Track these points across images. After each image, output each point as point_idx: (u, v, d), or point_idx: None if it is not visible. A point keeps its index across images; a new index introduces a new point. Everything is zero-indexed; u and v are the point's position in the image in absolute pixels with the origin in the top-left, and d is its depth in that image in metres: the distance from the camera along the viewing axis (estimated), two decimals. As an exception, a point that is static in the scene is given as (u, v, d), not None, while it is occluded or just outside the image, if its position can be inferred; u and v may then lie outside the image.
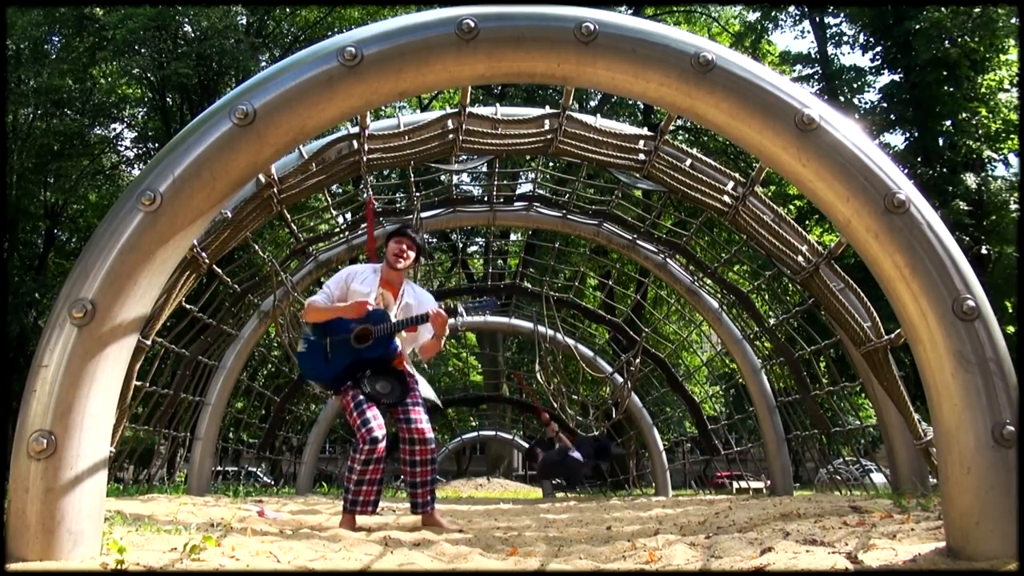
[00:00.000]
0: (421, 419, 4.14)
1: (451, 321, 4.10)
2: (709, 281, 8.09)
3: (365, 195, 6.61)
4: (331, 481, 15.65)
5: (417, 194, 7.69)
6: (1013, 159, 16.96)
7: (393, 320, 4.09)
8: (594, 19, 2.48)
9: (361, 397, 4.05)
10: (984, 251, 15.04)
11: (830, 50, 18.82)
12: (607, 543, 3.17)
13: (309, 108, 2.50)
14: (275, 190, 5.38)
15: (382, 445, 3.96)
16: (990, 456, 2.10)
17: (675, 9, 21.41)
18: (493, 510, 7.16)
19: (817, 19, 18.77)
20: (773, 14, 19.91)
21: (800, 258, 5.05)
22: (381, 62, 2.49)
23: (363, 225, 7.96)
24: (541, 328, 9.70)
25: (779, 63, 19.24)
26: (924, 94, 15.84)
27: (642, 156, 5.74)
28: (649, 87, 2.56)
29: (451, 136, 5.68)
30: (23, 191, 19.86)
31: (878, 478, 7.63)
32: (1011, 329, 13.90)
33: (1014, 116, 15.58)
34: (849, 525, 3.19)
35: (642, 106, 18.26)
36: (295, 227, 7.61)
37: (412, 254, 4.25)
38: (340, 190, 15.27)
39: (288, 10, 20.13)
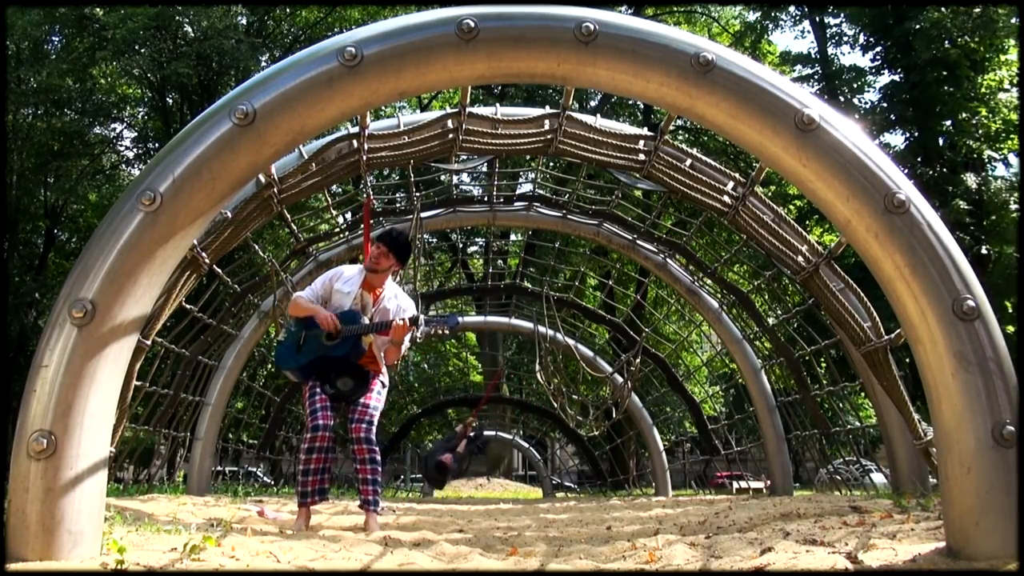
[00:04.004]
0: (363, 420, 4.23)
1: (413, 333, 4.18)
2: (709, 281, 8.09)
3: (365, 195, 6.62)
4: (331, 481, 15.63)
5: (417, 194, 7.68)
6: (1013, 159, 16.93)
7: (364, 323, 4.22)
8: (594, 19, 2.48)
9: (317, 388, 4.21)
10: (984, 251, 15.02)
11: (830, 50, 18.81)
12: (607, 543, 3.17)
13: (309, 108, 2.50)
14: (275, 190, 5.38)
15: (323, 434, 4.10)
16: (990, 456, 2.10)
17: (675, 9, 21.39)
18: (493, 510, 7.17)
19: (817, 19, 18.74)
20: (773, 14, 19.89)
21: (800, 258, 5.05)
22: (381, 62, 2.49)
23: (362, 225, 7.96)
24: (541, 328, 9.70)
25: (779, 63, 19.22)
26: (924, 94, 15.82)
27: (642, 156, 5.74)
28: (649, 87, 2.56)
29: (451, 136, 5.68)
30: (23, 191, 19.84)
31: (878, 478, 7.62)
32: (1011, 329, 13.88)
33: (1014, 116, 15.56)
34: (849, 525, 3.19)
35: (642, 106, 18.25)
36: (295, 227, 7.60)
37: (385, 261, 4.33)
38: (340, 190, 15.27)
39: (288, 10, 20.11)
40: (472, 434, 11.18)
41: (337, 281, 4.35)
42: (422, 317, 4.19)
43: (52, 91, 17.77)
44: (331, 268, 8.01)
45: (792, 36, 66.25)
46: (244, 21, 19.59)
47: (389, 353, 4.33)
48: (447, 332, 4.15)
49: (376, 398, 4.32)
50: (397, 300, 4.39)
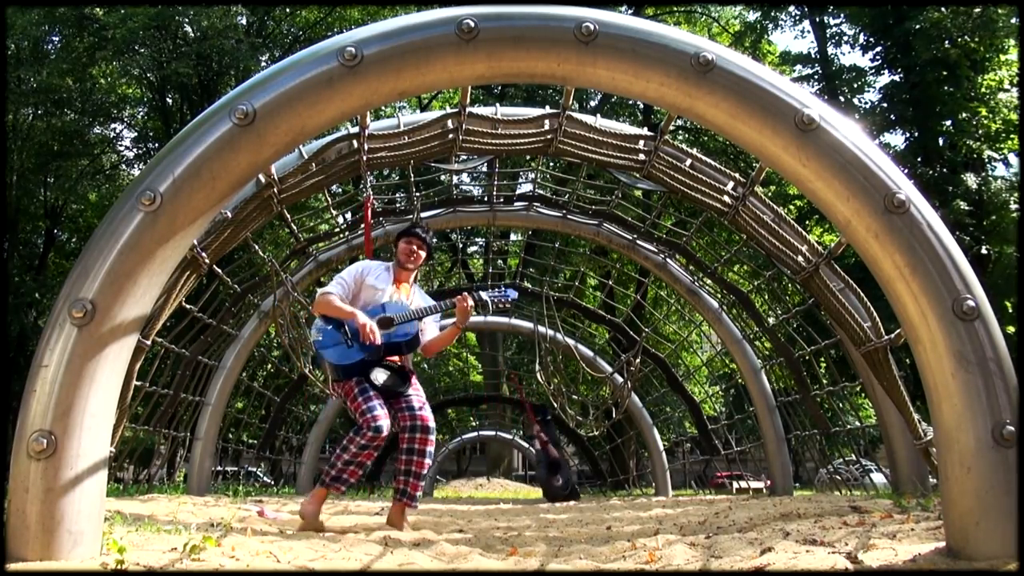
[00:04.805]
0: (426, 408, 4.12)
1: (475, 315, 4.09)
2: (709, 281, 8.09)
3: (365, 195, 6.64)
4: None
5: (417, 194, 7.69)
6: (1013, 159, 16.94)
7: (412, 309, 4.08)
8: (594, 19, 2.48)
9: (365, 384, 4.00)
10: (984, 251, 15.02)
11: (830, 50, 18.81)
12: (607, 543, 3.17)
13: (309, 108, 2.50)
14: (275, 190, 5.38)
15: (384, 435, 3.88)
16: (990, 456, 2.10)
17: (675, 9, 21.39)
18: (493, 510, 7.17)
19: (817, 19, 18.74)
20: (773, 14, 19.89)
21: (800, 258, 5.05)
22: (381, 62, 2.49)
23: (363, 225, 7.96)
24: (541, 328, 9.70)
25: (779, 63, 19.22)
26: (924, 94, 15.83)
27: (642, 156, 5.74)
28: (649, 87, 2.56)
29: (451, 136, 5.68)
30: (23, 191, 19.86)
31: (878, 478, 7.63)
32: (1011, 329, 13.88)
33: (1014, 116, 15.56)
34: (849, 525, 3.18)
35: (642, 106, 18.24)
36: (295, 227, 7.61)
37: (423, 254, 4.24)
38: (340, 190, 15.28)
39: (288, 10, 20.11)
40: (543, 434, 11.09)
41: (368, 277, 4.18)
42: (484, 294, 4.12)
43: (52, 91, 17.79)
44: (330, 268, 8.07)
45: (792, 36, 66.36)
46: (244, 21, 19.59)
47: (442, 339, 4.19)
48: (509, 304, 4.08)
49: (420, 389, 4.23)
50: (423, 298, 4.31)
